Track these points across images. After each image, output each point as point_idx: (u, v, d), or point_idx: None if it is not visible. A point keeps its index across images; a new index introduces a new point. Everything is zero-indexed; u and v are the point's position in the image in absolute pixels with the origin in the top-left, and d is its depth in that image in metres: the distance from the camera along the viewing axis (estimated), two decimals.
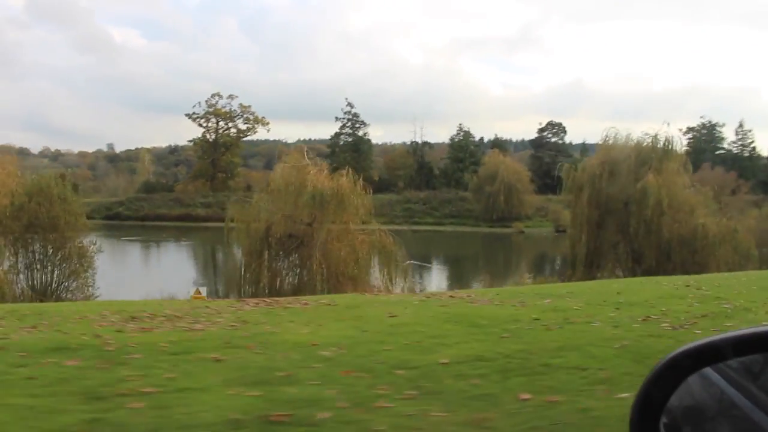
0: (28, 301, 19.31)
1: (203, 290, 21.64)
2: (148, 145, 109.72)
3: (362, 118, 79.17)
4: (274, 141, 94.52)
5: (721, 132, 74.22)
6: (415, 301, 8.90)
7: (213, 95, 78.37)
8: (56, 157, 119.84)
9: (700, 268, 22.87)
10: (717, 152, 70.84)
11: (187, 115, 78.48)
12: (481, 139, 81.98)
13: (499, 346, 5.30)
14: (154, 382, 4.29)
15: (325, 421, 3.41)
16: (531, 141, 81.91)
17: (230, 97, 78.44)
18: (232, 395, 3.93)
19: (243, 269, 22.07)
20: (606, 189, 26.60)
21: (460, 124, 80.00)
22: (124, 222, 66.98)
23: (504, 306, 7.91)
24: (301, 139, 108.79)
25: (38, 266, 23.71)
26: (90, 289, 23.83)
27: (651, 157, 26.66)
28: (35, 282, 23.38)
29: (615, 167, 26.77)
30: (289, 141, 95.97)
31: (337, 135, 79.18)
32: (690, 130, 74.01)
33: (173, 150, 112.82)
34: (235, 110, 78.41)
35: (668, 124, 34.91)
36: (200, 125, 78.62)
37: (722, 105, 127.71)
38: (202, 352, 5.25)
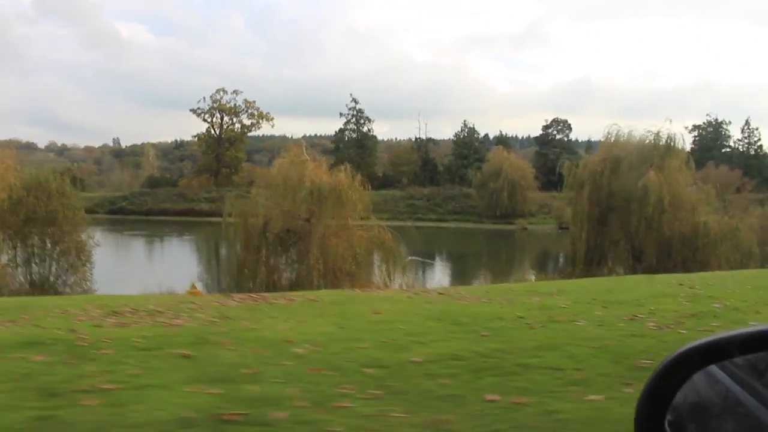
0: (25, 295, 19.26)
1: (199, 285, 21.53)
2: (154, 140, 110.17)
3: (368, 114, 79.13)
4: (280, 136, 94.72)
5: (727, 130, 73.87)
6: (403, 297, 8.80)
7: (218, 90, 78.42)
8: (62, 151, 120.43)
9: (701, 266, 22.68)
10: (723, 150, 70.43)
11: (191, 110, 78.59)
12: (486, 135, 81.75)
13: (477, 345, 5.18)
14: (117, 379, 4.20)
15: (279, 421, 3.31)
16: (536, 138, 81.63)
17: (235, 92, 78.50)
18: (191, 393, 3.83)
19: (240, 264, 21.99)
20: (607, 186, 26.39)
21: (465, 121, 79.81)
22: (127, 216, 67.07)
23: (491, 304, 7.80)
24: (307, 134, 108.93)
25: (37, 260, 23.71)
26: (88, 283, 23.80)
27: (653, 154, 26.42)
28: (33, 276, 23.38)
29: (616, 164, 26.55)
30: (295, 136, 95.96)
31: (341, 131, 79.07)
32: (696, 127, 73.70)
33: (179, 145, 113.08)
34: (239, 105, 78.44)
35: (670, 121, 34.57)
36: (205, 120, 78.71)
37: (731, 102, 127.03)
38: (174, 348, 5.16)
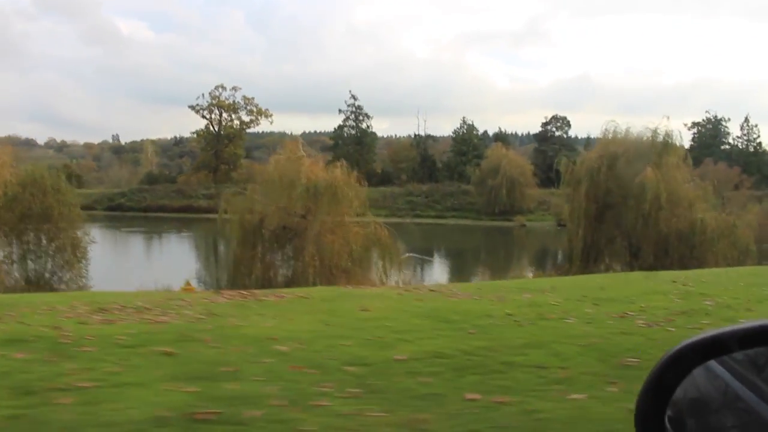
0: (20, 292, 19.21)
1: (195, 282, 21.48)
2: (153, 137, 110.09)
3: (368, 110, 79.04)
4: (279, 133, 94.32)
5: (726, 127, 73.73)
6: (394, 294, 8.74)
7: (216, 87, 78.22)
8: (62, 148, 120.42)
9: (698, 263, 22.63)
10: (722, 147, 70.34)
11: (190, 106, 78.36)
12: (485, 132, 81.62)
13: (463, 343, 5.13)
14: (95, 377, 4.16)
15: (253, 419, 3.26)
16: (535, 135, 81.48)
17: (234, 88, 78.30)
18: (168, 391, 3.79)
19: (236, 261, 21.93)
20: (604, 183, 26.32)
21: (464, 117, 79.68)
22: (126, 213, 67.02)
23: (481, 301, 7.75)
24: (307, 131, 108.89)
25: (32, 257, 23.65)
26: (84, 280, 23.75)
27: (650, 151, 26.36)
28: (29, 273, 23.33)
29: (614, 161, 26.47)
30: (295, 133, 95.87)
31: (340, 127, 78.96)
32: (695, 125, 73.62)
33: (178, 141, 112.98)
34: (238, 102, 78.26)
35: (668, 117, 34.52)
36: (203, 117, 78.57)
37: (731, 100, 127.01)
38: (157, 346, 5.11)
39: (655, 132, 27.00)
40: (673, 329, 5.75)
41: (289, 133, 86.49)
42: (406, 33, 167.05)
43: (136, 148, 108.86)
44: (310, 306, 7.54)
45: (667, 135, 26.99)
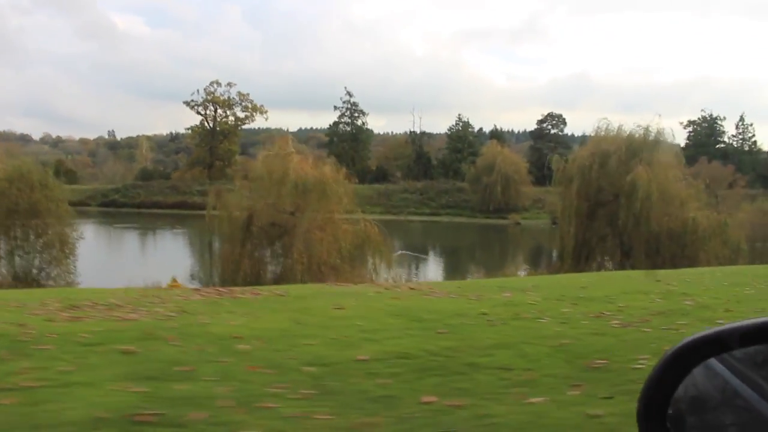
0: (6, 288, 19.09)
1: (184, 279, 21.33)
2: (149, 133, 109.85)
3: (366, 107, 78.97)
4: (276, 129, 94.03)
5: (721, 126, 73.76)
6: (372, 292, 8.63)
7: (212, 83, 77.99)
8: (57, 143, 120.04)
9: (689, 262, 22.56)
10: (717, 146, 70.34)
11: (185, 102, 78.16)
12: (480, 129, 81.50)
13: (430, 343, 5.02)
14: (45, 376, 4.05)
15: (194, 422, 3.14)
16: (531, 132, 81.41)
17: (229, 84, 78.08)
18: (115, 391, 3.67)
19: (224, 258, 21.81)
20: (596, 181, 26.22)
21: (459, 115, 79.60)
22: (120, 209, 66.82)
23: (458, 300, 7.64)
24: (304, 127, 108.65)
25: (20, 253, 23.48)
26: (72, 276, 23.59)
27: (642, 149, 26.26)
28: (17, 269, 23.15)
29: (605, 159, 26.34)
30: (292, 129, 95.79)
31: (335, 124, 78.82)
32: (691, 123, 73.67)
33: (174, 137, 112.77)
34: (233, 98, 78.04)
35: (660, 115, 34.46)
36: (198, 113, 78.32)
37: (729, 98, 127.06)
38: (118, 344, 5.00)
39: (647, 130, 26.94)
40: (648, 330, 5.64)
41: (286, 130, 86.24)
42: (403, 30, 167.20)
43: (131, 143, 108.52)
44: (284, 304, 7.43)
45: (659, 133, 26.92)
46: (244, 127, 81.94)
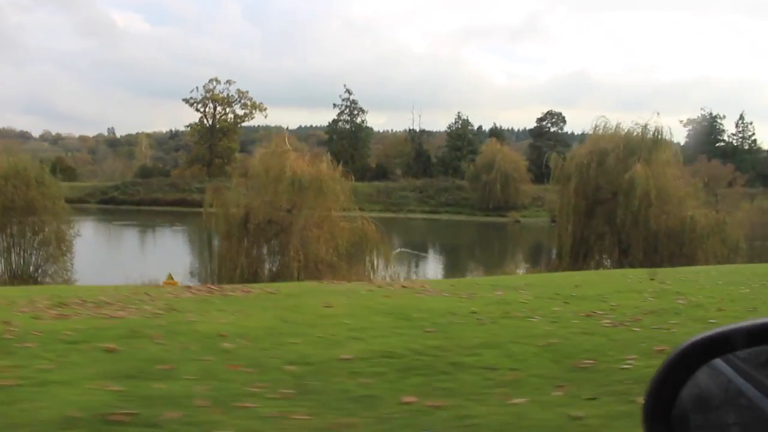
0: (2, 285, 19.01)
1: (179, 276, 21.28)
2: (149, 130, 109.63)
3: (365, 105, 79.08)
4: (276, 127, 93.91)
5: (721, 124, 73.65)
6: (364, 290, 8.58)
7: (211, 80, 77.83)
8: (57, 140, 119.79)
9: (687, 261, 22.49)
10: (717, 144, 70.21)
11: (184, 99, 78.03)
12: (480, 127, 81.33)
13: (416, 342, 4.96)
14: (23, 374, 4.01)
15: (168, 422, 3.09)
16: (530, 131, 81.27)
17: (228, 82, 77.95)
18: (92, 390, 3.62)
19: (221, 255, 21.75)
20: (594, 179, 26.12)
21: (459, 113, 79.49)
22: (119, 206, 66.70)
23: (450, 298, 7.59)
24: (303, 125, 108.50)
25: (17, 250, 23.42)
26: (69, 273, 23.54)
27: (640, 147, 26.15)
28: (13, 266, 23.09)
29: (603, 157, 26.23)
30: (292, 127, 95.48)
31: (335, 122, 78.67)
32: (690, 121, 73.56)
33: (174, 135, 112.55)
34: (232, 96, 77.93)
35: (658, 113, 34.37)
36: (197, 110, 78.20)
37: (728, 97, 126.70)
38: (101, 342, 4.96)
39: (645, 128, 26.81)
40: (638, 329, 5.59)
41: (286, 127, 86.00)
42: (403, 27, 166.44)
43: (131, 141, 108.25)
44: (274, 302, 7.38)
45: (657, 131, 26.78)
46: (243, 124, 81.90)
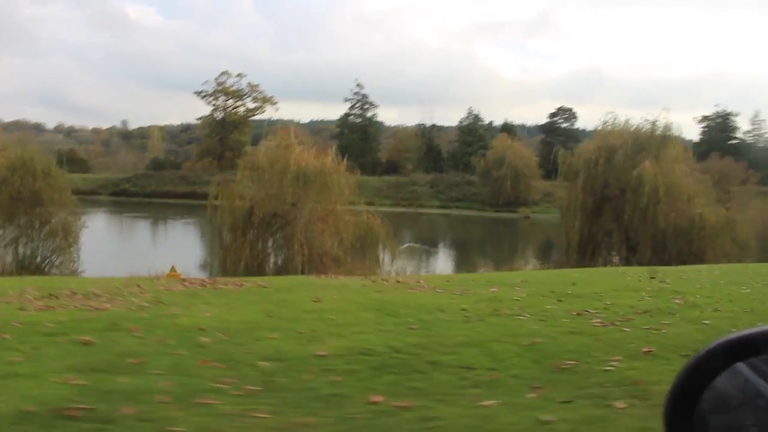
0: (8, 275, 19.12)
1: (182, 268, 21.26)
2: (162, 123, 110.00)
3: (377, 99, 78.88)
4: (287, 121, 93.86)
5: (735, 121, 72.78)
6: (356, 285, 8.49)
7: (222, 73, 77.96)
8: (70, 132, 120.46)
9: (696, 259, 22.22)
10: (730, 142, 69.38)
11: (195, 92, 78.23)
12: (490, 123, 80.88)
13: (397, 339, 4.87)
14: None
15: (123, 417, 3.02)
16: (541, 126, 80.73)
17: (239, 75, 78.01)
18: (56, 384, 3.57)
19: (225, 248, 21.74)
20: (602, 175, 25.85)
21: (470, 108, 79.04)
22: (131, 198, 67.04)
23: (443, 294, 7.48)
24: (315, 119, 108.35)
25: (24, 241, 23.53)
26: (75, 264, 23.62)
27: (649, 143, 25.83)
28: (20, 257, 23.21)
29: (612, 153, 25.95)
30: (304, 121, 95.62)
31: (346, 116, 78.52)
32: (705, 118, 72.74)
33: (186, 128, 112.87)
34: (243, 89, 77.97)
35: (668, 110, 33.94)
36: (209, 103, 78.35)
37: (743, 94, 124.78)
38: (79, 334, 4.92)
39: (654, 124, 26.50)
40: (628, 329, 5.44)
41: (297, 121, 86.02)
42: (415, 22, 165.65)
43: (144, 133, 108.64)
44: (263, 296, 7.31)
45: (667, 127, 26.44)
46: (255, 118, 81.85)
